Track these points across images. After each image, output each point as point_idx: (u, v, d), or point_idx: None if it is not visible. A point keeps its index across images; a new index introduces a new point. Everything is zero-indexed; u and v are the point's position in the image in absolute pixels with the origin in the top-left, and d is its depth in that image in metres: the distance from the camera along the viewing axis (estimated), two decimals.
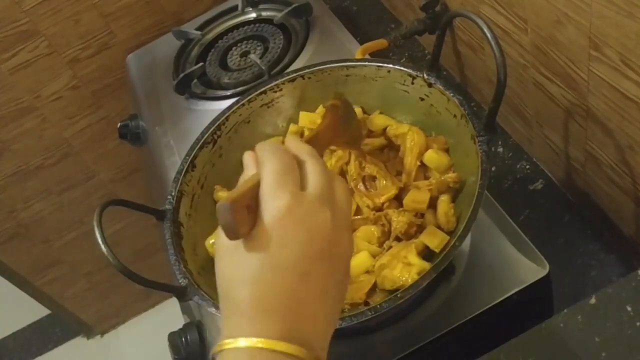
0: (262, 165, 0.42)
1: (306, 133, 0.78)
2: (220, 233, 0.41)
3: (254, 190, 0.41)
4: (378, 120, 0.75)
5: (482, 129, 0.64)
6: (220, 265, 0.42)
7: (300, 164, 0.44)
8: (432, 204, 0.67)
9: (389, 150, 0.73)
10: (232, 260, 0.41)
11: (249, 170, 0.45)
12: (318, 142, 0.51)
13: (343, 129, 0.59)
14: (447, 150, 0.70)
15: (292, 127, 0.79)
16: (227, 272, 0.41)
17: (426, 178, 0.70)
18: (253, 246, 0.40)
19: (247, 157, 0.46)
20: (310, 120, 0.78)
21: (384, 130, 0.75)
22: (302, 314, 0.40)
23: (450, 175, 0.67)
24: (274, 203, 0.40)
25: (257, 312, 0.39)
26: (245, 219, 0.40)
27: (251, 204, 0.41)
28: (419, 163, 0.69)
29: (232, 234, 0.40)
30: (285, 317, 0.39)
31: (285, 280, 0.39)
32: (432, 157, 0.68)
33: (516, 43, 0.75)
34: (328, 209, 0.42)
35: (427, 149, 0.70)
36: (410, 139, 0.70)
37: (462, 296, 0.69)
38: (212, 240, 0.70)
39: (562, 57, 0.67)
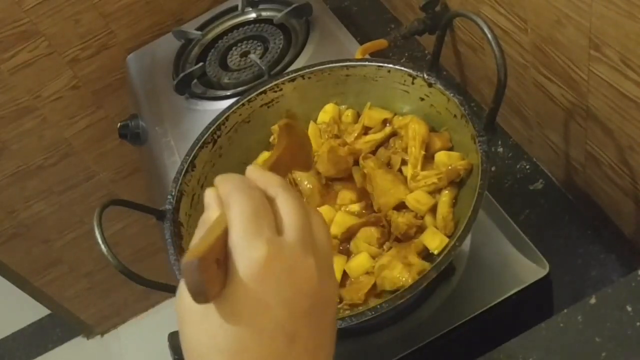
0: (229, 207, 0.36)
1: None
2: (182, 293, 0.34)
3: (223, 239, 0.35)
4: (375, 114, 0.75)
5: (482, 129, 0.64)
6: (187, 332, 0.35)
7: (270, 200, 0.37)
8: (432, 209, 0.67)
9: (396, 139, 0.73)
10: (204, 328, 0.34)
11: (212, 211, 0.38)
12: (279, 168, 0.46)
13: (299, 151, 0.54)
14: (451, 149, 0.70)
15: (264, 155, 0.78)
16: (198, 341, 0.35)
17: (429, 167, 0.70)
18: (228, 310, 0.33)
19: (209, 196, 0.39)
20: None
21: (382, 124, 0.75)
22: None
23: (461, 163, 0.66)
24: (249, 255, 0.34)
25: None
26: (216, 277, 0.33)
27: (220, 256, 0.34)
28: (423, 152, 0.69)
29: (201, 297, 0.33)
30: None
31: (271, 347, 0.34)
32: (443, 159, 0.68)
33: (516, 43, 0.75)
34: (311, 255, 0.36)
35: (429, 138, 0.70)
36: (412, 129, 0.70)
37: (462, 296, 0.69)
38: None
39: (562, 57, 0.67)
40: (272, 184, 0.38)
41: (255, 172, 0.39)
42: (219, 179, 0.38)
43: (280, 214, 0.37)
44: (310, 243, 0.37)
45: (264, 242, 0.34)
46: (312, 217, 0.38)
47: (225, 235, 0.35)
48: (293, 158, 0.51)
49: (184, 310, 0.35)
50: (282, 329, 0.34)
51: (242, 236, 0.34)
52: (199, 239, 0.35)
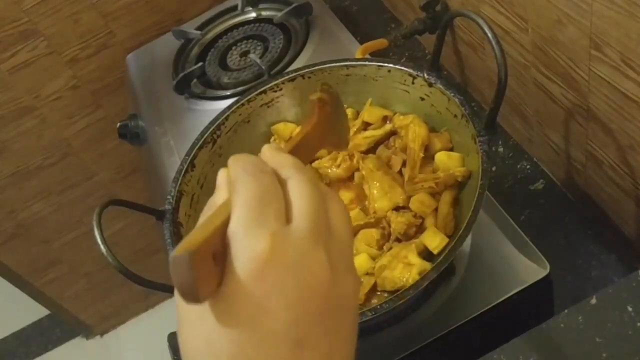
0: (235, 191, 0.31)
1: (288, 134, 0.75)
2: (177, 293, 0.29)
3: (223, 229, 0.30)
4: (376, 110, 0.75)
5: (482, 129, 0.64)
6: (182, 334, 0.32)
7: (282, 183, 0.33)
8: (433, 210, 0.66)
9: (396, 138, 0.73)
10: (199, 331, 0.30)
11: (219, 195, 0.34)
12: (306, 146, 0.43)
13: (332, 127, 0.50)
14: (451, 149, 0.70)
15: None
16: (193, 345, 0.31)
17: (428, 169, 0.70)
18: (224, 312, 0.29)
19: (220, 176, 0.35)
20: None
21: (383, 121, 0.75)
22: None
23: (459, 169, 0.66)
24: (249, 248, 0.29)
25: None
26: (211, 273, 0.29)
27: (218, 249, 0.30)
28: (422, 154, 0.69)
29: (191, 297, 0.29)
30: None
31: (274, 354, 0.30)
32: (443, 159, 0.68)
33: (517, 43, 0.75)
34: (322, 248, 0.31)
35: (429, 140, 0.70)
36: (412, 131, 0.70)
37: (463, 296, 0.68)
38: None
39: (562, 57, 0.67)
40: (284, 165, 0.34)
41: (269, 152, 0.35)
42: (232, 159, 0.34)
43: (290, 200, 0.32)
44: (324, 232, 0.32)
45: (267, 233, 0.30)
46: (329, 203, 0.33)
47: (226, 224, 0.30)
48: (323, 136, 0.47)
49: (181, 309, 0.31)
50: (286, 333, 0.30)
51: (242, 225, 0.30)
52: (196, 228, 0.30)
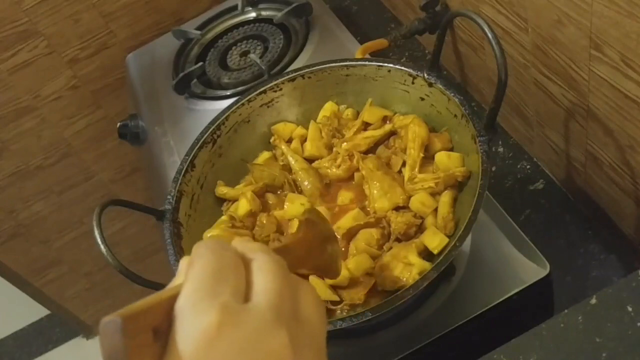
0: (191, 267, 0.29)
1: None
2: None
3: (168, 305, 0.27)
4: (376, 110, 0.75)
5: (482, 129, 0.64)
6: None
7: (247, 265, 0.30)
8: (433, 210, 0.66)
9: (396, 138, 0.73)
10: None
11: (177, 279, 0.31)
12: (285, 257, 0.38)
13: (318, 251, 0.49)
14: (451, 149, 0.70)
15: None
16: None
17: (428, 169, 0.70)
18: None
19: (182, 262, 0.32)
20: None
21: (382, 121, 0.75)
22: None
23: (459, 169, 0.66)
24: (194, 322, 0.26)
25: None
26: (149, 349, 0.26)
27: (161, 325, 0.27)
28: (422, 154, 0.69)
29: None
30: None
31: None
32: (443, 159, 0.68)
33: (517, 43, 0.75)
34: (284, 328, 0.27)
35: (429, 140, 0.70)
36: (412, 131, 0.70)
37: (463, 296, 0.68)
38: (210, 234, 0.70)
39: (562, 57, 0.67)
40: (251, 249, 0.31)
41: (238, 240, 0.33)
42: (196, 244, 0.31)
43: (252, 279, 0.29)
44: (287, 314, 0.28)
45: (216, 306, 0.26)
46: (300, 290, 0.31)
47: (174, 299, 0.27)
48: (308, 257, 0.45)
49: None
50: None
51: (191, 299, 0.27)
52: (138, 302, 0.27)
